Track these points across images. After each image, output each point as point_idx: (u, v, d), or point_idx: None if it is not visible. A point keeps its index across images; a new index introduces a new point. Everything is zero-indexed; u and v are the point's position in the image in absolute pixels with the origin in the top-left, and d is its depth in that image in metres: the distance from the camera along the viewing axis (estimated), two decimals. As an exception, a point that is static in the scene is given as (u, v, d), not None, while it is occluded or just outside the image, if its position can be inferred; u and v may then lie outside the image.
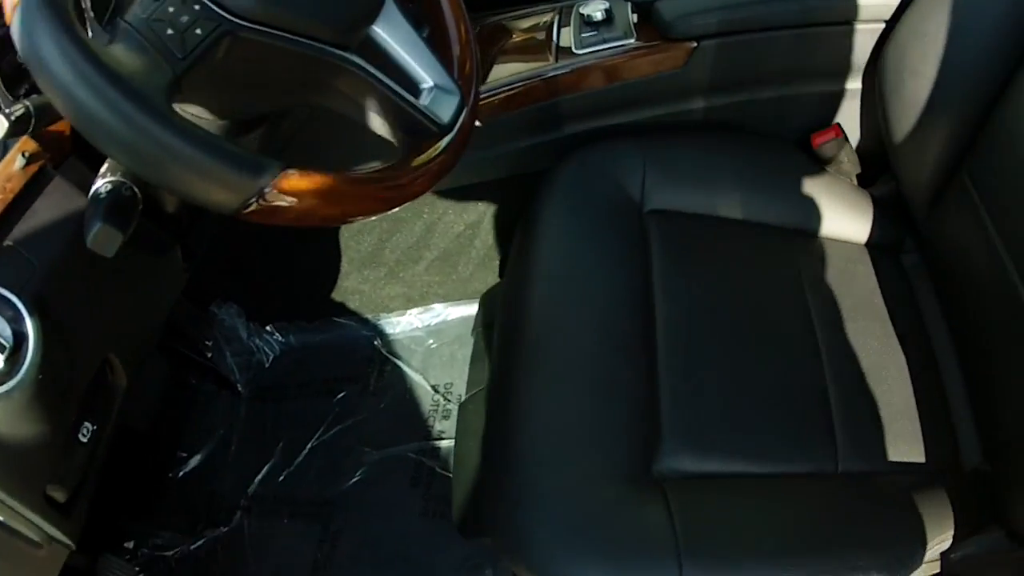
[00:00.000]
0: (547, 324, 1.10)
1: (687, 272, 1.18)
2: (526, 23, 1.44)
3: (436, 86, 0.92)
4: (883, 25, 1.28)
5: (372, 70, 0.86)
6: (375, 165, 0.86)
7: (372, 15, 0.88)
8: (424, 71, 0.92)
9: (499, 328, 1.18)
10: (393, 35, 0.90)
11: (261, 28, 0.77)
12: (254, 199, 0.72)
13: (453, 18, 1.04)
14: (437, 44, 1.00)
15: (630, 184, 1.25)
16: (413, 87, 0.91)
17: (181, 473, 1.59)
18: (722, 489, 1.00)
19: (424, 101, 0.91)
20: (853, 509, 0.99)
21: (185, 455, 1.61)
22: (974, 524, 1.02)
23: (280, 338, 1.72)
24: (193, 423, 1.65)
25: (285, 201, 0.73)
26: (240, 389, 1.67)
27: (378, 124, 0.92)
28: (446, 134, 0.91)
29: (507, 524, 0.96)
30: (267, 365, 1.71)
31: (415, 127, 0.90)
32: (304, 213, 0.76)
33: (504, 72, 1.32)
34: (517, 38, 1.41)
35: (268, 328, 1.71)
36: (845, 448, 1.06)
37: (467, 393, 1.26)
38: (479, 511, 1.08)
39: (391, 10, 0.90)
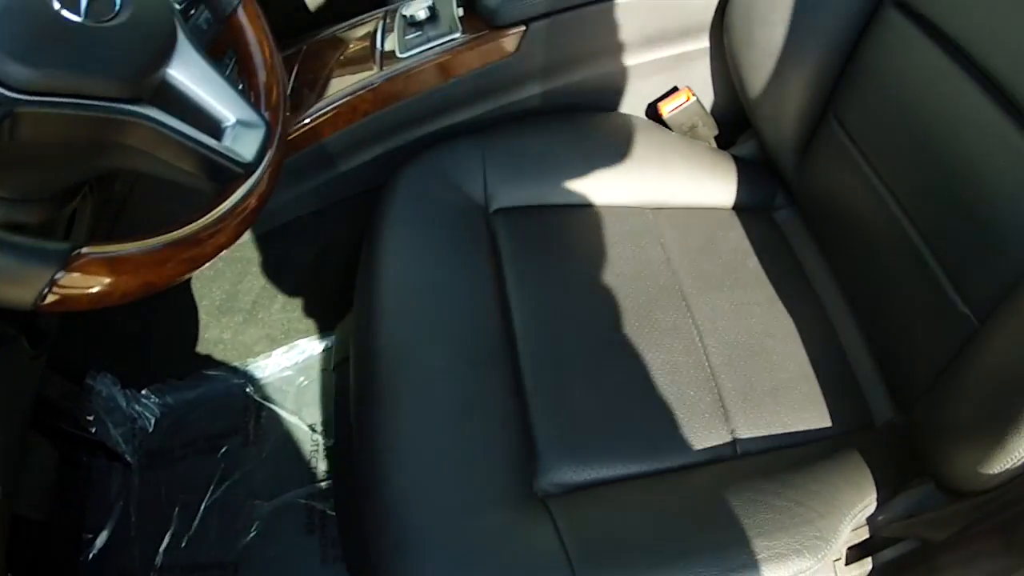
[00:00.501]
0: (400, 352, 1.01)
1: (541, 271, 1.10)
2: (353, 34, 1.37)
3: (239, 122, 0.85)
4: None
5: (165, 119, 0.78)
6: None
7: (163, 59, 0.81)
8: (225, 108, 0.85)
9: (353, 362, 1.09)
10: (189, 75, 0.83)
11: (44, 99, 0.69)
12: (47, 289, 0.65)
13: (256, 41, 0.97)
14: (242, 70, 0.96)
15: (472, 186, 1.17)
16: (215, 127, 0.84)
17: (90, 555, 1.53)
18: (610, 496, 0.92)
19: (227, 141, 0.84)
20: (758, 491, 0.91)
21: (90, 536, 1.54)
22: (898, 481, 0.96)
23: (157, 400, 1.67)
24: (92, 501, 1.59)
25: (82, 285, 0.68)
26: (129, 459, 1.62)
27: (183, 176, 0.85)
28: (252, 172, 0.84)
29: (394, 570, 0.88)
30: (150, 430, 1.66)
31: (218, 171, 0.83)
32: (104, 294, 0.70)
33: (332, 89, 1.25)
34: (344, 52, 1.34)
35: (144, 392, 1.65)
36: (741, 427, 0.99)
37: (335, 435, 1.18)
38: (367, 557, 0.99)
39: (185, 48, 0.83)
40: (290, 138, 1.18)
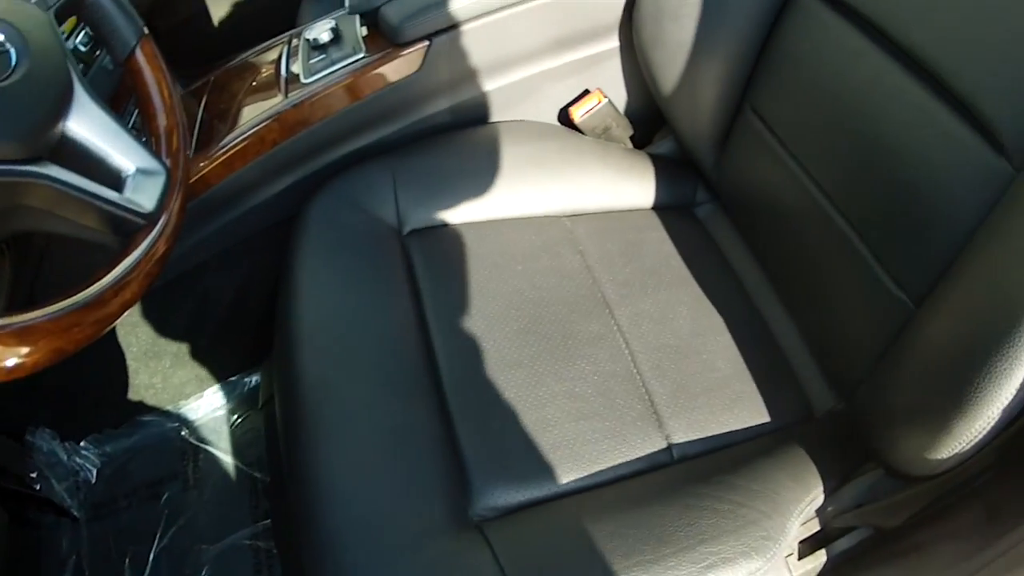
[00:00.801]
0: (322, 387, 0.98)
1: (459, 291, 1.07)
2: (260, 61, 1.35)
3: (139, 171, 0.84)
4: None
5: (63, 177, 0.77)
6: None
7: (61, 113, 0.79)
8: (125, 157, 0.84)
9: (277, 401, 1.06)
10: (88, 127, 0.82)
11: None
12: None
13: (155, 83, 0.96)
14: (143, 114, 0.95)
15: (384, 209, 1.15)
16: (115, 179, 0.83)
17: (49, 615, 1.50)
18: (546, 515, 0.90)
19: (127, 192, 0.83)
20: (698, 496, 0.89)
21: (48, 595, 1.53)
22: (846, 471, 0.95)
23: (97, 450, 1.65)
24: (45, 559, 1.57)
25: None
26: (76, 514, 1.60)
27: (87, 232, 0.84)
28: (155, 222, 0.84)
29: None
30: (93, 481, 1.64)
31: (121, 224, 0.83)
32: (17, 367, 0.70)
33: (242, 120, 1.22)
34: (252, 80, 1.31)
35: (83, 444, 1.64)
36: (675, 432, 0.97)
37: (270, 474, 1.17)
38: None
39: (82, 99, 0.82)
40: (201, 174, 1.15)
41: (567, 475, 0.93)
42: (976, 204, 0.80)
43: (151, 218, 0.83)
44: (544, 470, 0.93)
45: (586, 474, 0.93)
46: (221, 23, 2.06)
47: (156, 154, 0.86)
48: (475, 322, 1.04)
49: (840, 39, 0.95)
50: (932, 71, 0.85)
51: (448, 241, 1.13)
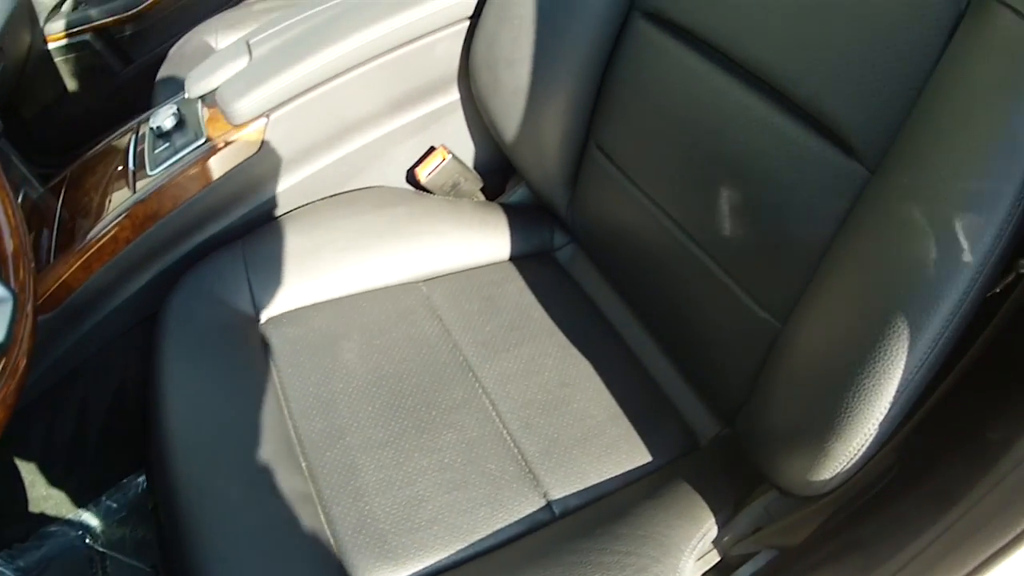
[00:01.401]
0: (195, 491, 0.95)
1: (321, 375, 1.05)
2: (113, 152, 1.32)
3: None
4: (467, 23, 1.24)
5: None
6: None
7: None
8: None
9: (159, 507, 1.02)
10: None
11: None
12: None
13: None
14: None
15: (239, 299, 1.12)
16: None
17: None
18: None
19: None
20: (582, 553, 0.88)
21: None
22: (739, 497, 0.95)
23: (11, 565, 1.58)
24: None
25: None
26: None
27: None
28: (3, 353, 0.80)
29: None
30: None
31: None
32: None
33: (97, 219, 1.19)
34: (104, 174, 1.28)
35: None
36: (553, 488, 0.97)
37: None
38: None
39: None
40: (61, 279, 1.12)
41: (447, 549, 0.91)
42: (832, 213, 0.81)
43: (2, 349, 0.79)
44: (422, 546, 0.91)
45: (466, 544, 0.92)
46: (84, 106, 2.04)
47: (3, 279, 0.84)
48: (338, 406, 1.02)
49: (677, 62, 0.97)
50: (773, 83, 0.86)
51: (306, 324, 1.11)
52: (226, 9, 2.15)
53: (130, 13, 2.04)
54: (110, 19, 2.02)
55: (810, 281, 0.83)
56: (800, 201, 0.84)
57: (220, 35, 1.91)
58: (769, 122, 0.86)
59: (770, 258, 0.88)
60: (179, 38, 1.98)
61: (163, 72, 1.86)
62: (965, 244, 0.68)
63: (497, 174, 1.38)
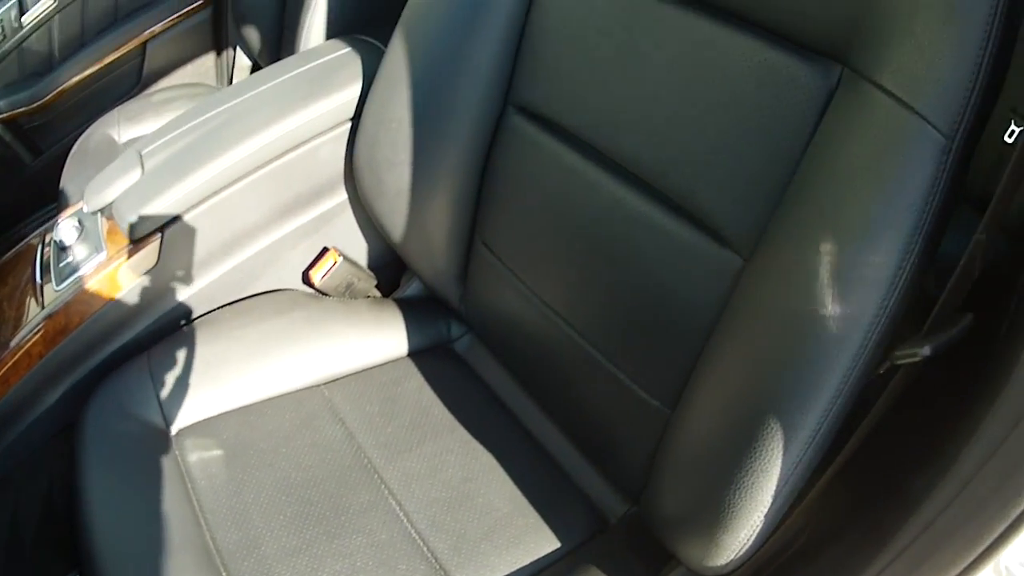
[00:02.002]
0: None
1: (232, 486, 1.06)
2: (22, 262, 1.33)
3: None
4: (349, 124, 1.27)
5: None
6: None
7: None
8: None
9: None
10: None
11: None
12: None
13: None
14: None
15: (149, 411, 1.12)
16: None
17: None
18: None
19: None
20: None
21: None
22: (650, 573, 0.99)
23: None
24: None
25: None
26: None
27: None
28: None
29: None
30: None
31: None
32: None
33: (13, 333, 1.20)
34: (16, 288, 1.29)
35: None
36: (464, 586, 0.97)
37: None
38: None
39: None
40: None
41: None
42: (710, 302, 0.85)
43: None
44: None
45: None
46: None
47: None
48: (252, 516, 1.02)
49: (551, 156, 1.01)
50: (644, 177, 0.90)
51: (215, 434, 1.12)
52: (127, 100, 2.21)
53: (36, 105, 2.05)
54: (17, 111, 2.03)
55: (693, 368, 0.87)
56: (679, 291, 0.88)
57: (122, 128, 1.99)
58: (643, 215, 0.91)
59: (654, 347, 0.92)
60: (86, 126, 2.04)
61: (69, 166, 1.90)
62: (838, 333, 0.71)
63: (390, 268, 1.41)
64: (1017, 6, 0.65)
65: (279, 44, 2.10)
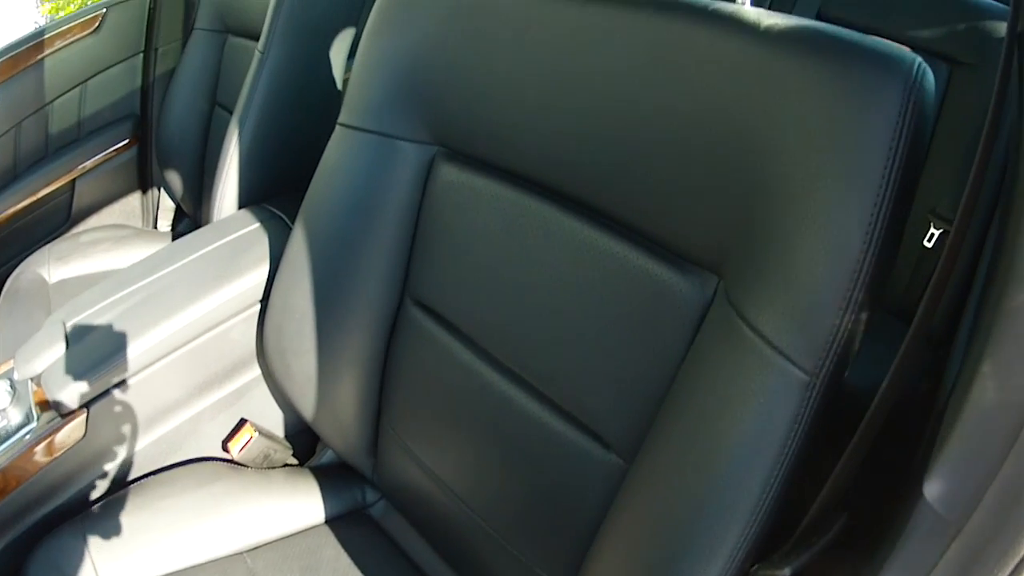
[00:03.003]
0: None
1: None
2: None
3: None
4: (259, 306, 1.37)
5: None
6: None
7: None
8: None
9: None
10: None
11: None
12: None
13: None
14: None
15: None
16: None
17: None
18: None
19: None
20: None
21: None
22: None
23: None
24: None
25: None
26: None
27: None
28: None
29: None
30: None
31: None
32: None
33: None
34: None
35: None
36: None
37: None
38: None
39: None
40: None
41: None
42: (597, 502, 0.91)
43: None
44: None
45: None
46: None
47: None
48: None
49: (448, 353, 1.10)
50: (532, 382, 0.98)
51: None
52: (57, 234, 2.36)
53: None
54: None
55: (583, 560, 0.94)
56: (569, 489, 0.95)
57: (52, 267, 2.12)
58: (534, 416, 0.99)
59: (548, 536, 0.99)
60: (18, 259, 2.18)
61: (1, 305, 2.00)
62: (708, 545, 0.75)
63: (306, 435, 1.48)
64: (888, 247, 0.68)
65: (200, 191, 2.22)
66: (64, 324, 1.32)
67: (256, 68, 1.67)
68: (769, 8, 2.02)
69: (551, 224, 0.96)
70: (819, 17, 2.08)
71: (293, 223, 1.25)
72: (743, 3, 0.83)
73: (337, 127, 1.19)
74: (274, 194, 1.69)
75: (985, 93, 1.77)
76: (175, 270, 1.39)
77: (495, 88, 1.00)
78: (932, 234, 1.81)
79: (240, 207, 1.71)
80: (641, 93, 0.84)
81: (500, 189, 1.02)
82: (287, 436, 1.49)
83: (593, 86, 0.88)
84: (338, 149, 1.19)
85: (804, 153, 0.70)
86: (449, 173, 1.09)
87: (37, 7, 5.04)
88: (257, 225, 1.47)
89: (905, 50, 0.69)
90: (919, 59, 0.67)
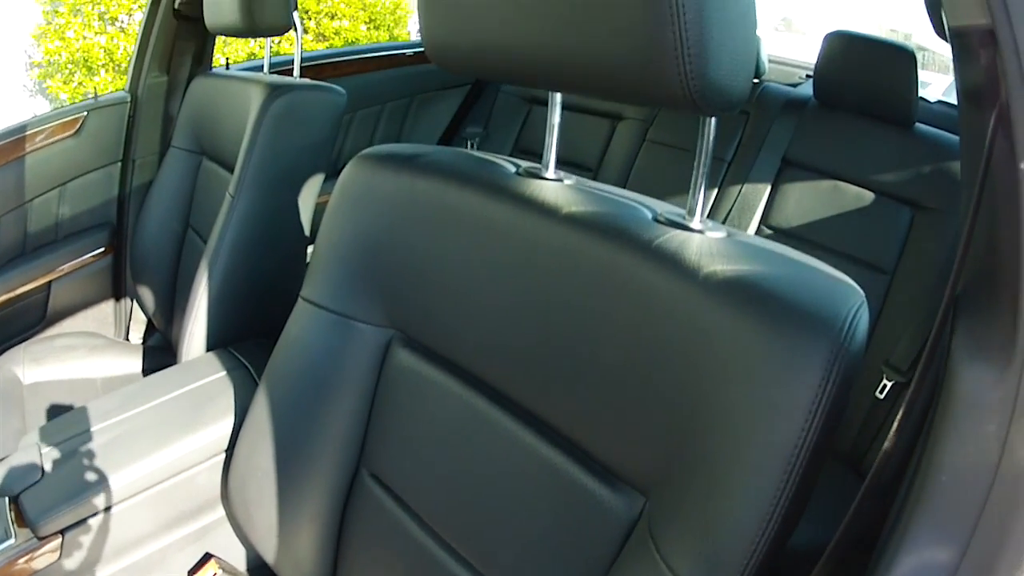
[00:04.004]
0: None
1: None
2: None
3: None
4: (223, 455, 1.44)
5: None
6: None
7: None
8: None
9: None
10: None
11: None
12: None
13: None
14: None
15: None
16: None
17: None
18: None
19: None
20: None
21: None
22: None
23: None
24: None
25: None
26: None
27: None
28: None
29: None
30: None
31: None
32: None
33: None
34: None
35: None
36: None
37: None
38: None
39: None
40: None
41: None
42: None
43: None
44: None
45: None
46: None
47: None
48: None
49: (399, 526, 1.15)
50: (470, 562, 1.03)
51: None
52: (33, 333, 2.42)
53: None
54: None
55: None
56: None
57: (27, 368, 2.18)
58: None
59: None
60: None
61: None
62: None
63: (269, 571, 1.53)
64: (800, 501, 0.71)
65: (171, 310, 2.29)
66: (40, 448, 1.39)
67: (227, 211, 1.76)
68: (735, 154, 2.12)
69: (496, 426, 1.01)
70: (784, 162, 2.04)
71: (258, 375, 1.30)
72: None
73: (299, 300, 1.26)
74: (241, 337, 1.77)
75: (947, 239, 1.85)
76: (146, 411, 1.47)
77: (448, 283, 1.07)
78: (884, 385, 1.85)
79: (208, 347, 1.79)
80: (583, 317, 0.90)
81: (450, 383, 1.08)
82: (250, 571, 1.54)
83: (539, 303, 0.95)
84: (298, 323, 1.25)
85: (725, 407, 0.74)
86: (404, 359, 1.15)
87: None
88: (223, 374, 1.55)
89: (842, 298, 0.72)
90: (854, 310, 0.71)
